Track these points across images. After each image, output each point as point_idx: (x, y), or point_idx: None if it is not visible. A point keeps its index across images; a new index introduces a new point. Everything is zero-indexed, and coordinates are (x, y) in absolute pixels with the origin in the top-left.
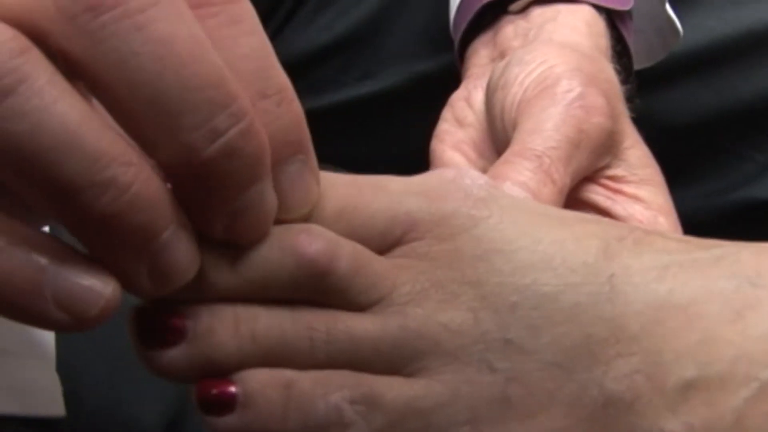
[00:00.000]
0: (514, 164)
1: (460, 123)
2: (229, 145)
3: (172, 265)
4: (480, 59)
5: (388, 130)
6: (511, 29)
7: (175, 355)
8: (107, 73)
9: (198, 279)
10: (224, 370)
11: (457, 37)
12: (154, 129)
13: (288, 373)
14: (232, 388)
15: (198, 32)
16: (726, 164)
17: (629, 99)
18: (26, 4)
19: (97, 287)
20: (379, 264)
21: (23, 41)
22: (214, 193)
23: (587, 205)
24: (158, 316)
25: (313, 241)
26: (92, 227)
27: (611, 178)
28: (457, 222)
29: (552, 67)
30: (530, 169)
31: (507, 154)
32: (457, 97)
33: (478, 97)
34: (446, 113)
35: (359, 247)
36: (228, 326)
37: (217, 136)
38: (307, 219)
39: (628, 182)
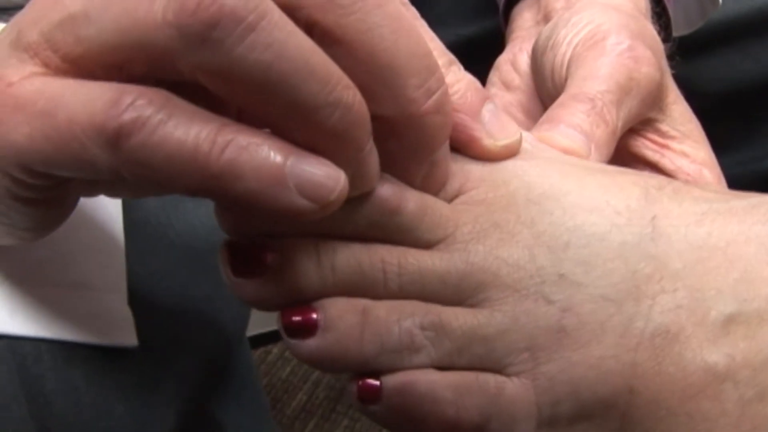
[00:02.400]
0: (568, 107)
1: (507, 86)
2: (439, 101)
3: (369, 171)
4: (524, 22)
5: None
6: None
7: (263, 284)
8: (354, 39)
9: None
10: (306, 299)
11: (501, 0)
12: (386, 86)
13: (364, 301)
14: (314, 315)
15: (407, 13)
16: (762, 132)
17: (670, 56)
18: None
19: (333, 175)
20: (442, 207)
21: None
22: (425, 142)
23: (637, 159)
24: (249, 248)
25: (384, 184)
26: (322, 140)
27: (657, 132)
28: (508, 171)
29: (599, 25)
30: (583, 111)
31: (561, 98)
32: (503, 60)
33: (524, 59)
34: (493, 77)
35: (425, 194)
36: (311, 258)
37: (431, 94)
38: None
39: (672, 138)
